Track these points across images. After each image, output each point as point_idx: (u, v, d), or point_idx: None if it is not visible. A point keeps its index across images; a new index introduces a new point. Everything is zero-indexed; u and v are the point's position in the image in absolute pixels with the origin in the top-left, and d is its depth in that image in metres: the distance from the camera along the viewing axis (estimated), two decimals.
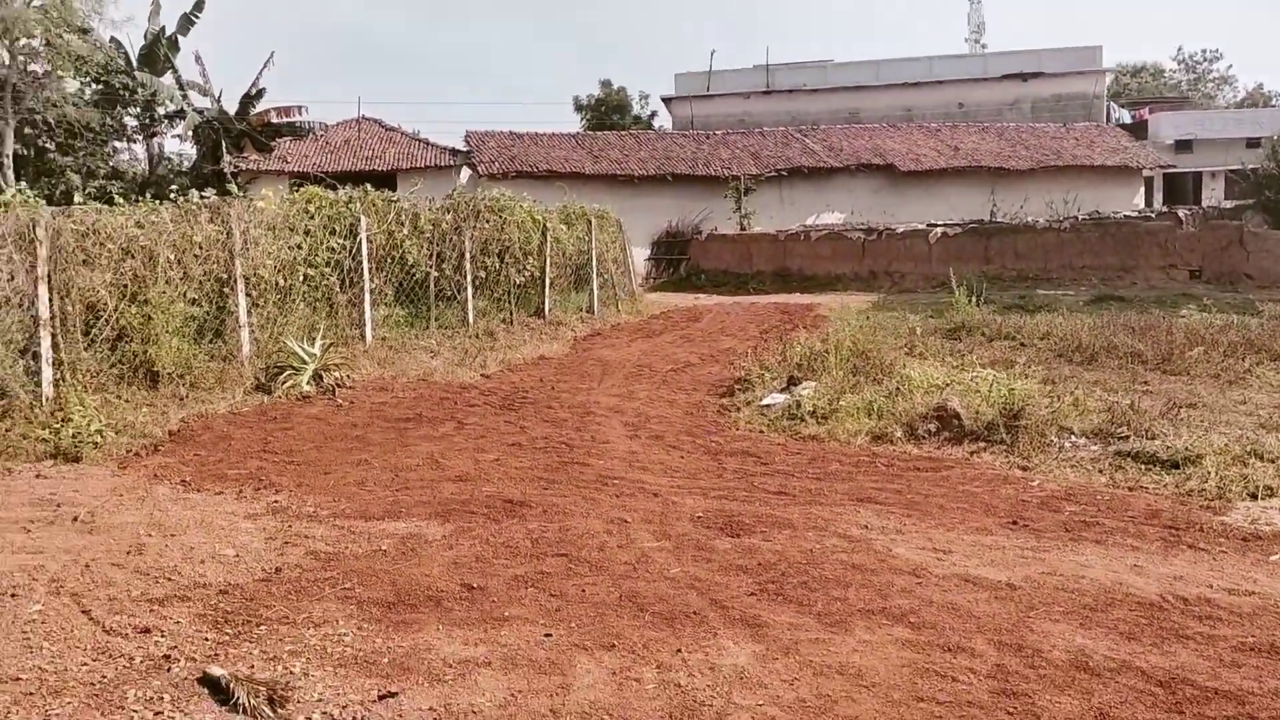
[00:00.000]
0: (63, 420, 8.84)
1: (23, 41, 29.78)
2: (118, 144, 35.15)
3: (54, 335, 9.53)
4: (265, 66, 37.30)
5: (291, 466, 8.22)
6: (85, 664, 4.33)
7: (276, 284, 12.21)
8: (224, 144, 34.23)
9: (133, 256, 10.29)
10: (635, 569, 5.58)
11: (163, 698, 4.01)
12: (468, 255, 16.17)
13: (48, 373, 9.45)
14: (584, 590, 5.24)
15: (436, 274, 15.49)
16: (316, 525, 6.48)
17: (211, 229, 11.32)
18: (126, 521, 6.42)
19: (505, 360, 14.36)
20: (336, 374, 11.57)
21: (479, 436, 9.38)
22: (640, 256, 31.27)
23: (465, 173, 34.76)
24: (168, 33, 34.48)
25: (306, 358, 11.50)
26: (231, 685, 4.00)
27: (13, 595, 5.07)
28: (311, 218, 12.86)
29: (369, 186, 14.84)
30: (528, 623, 4.80)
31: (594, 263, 20.70)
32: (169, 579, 5.40)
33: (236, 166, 32.76)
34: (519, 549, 5.94)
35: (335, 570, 5.57)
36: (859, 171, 36.00)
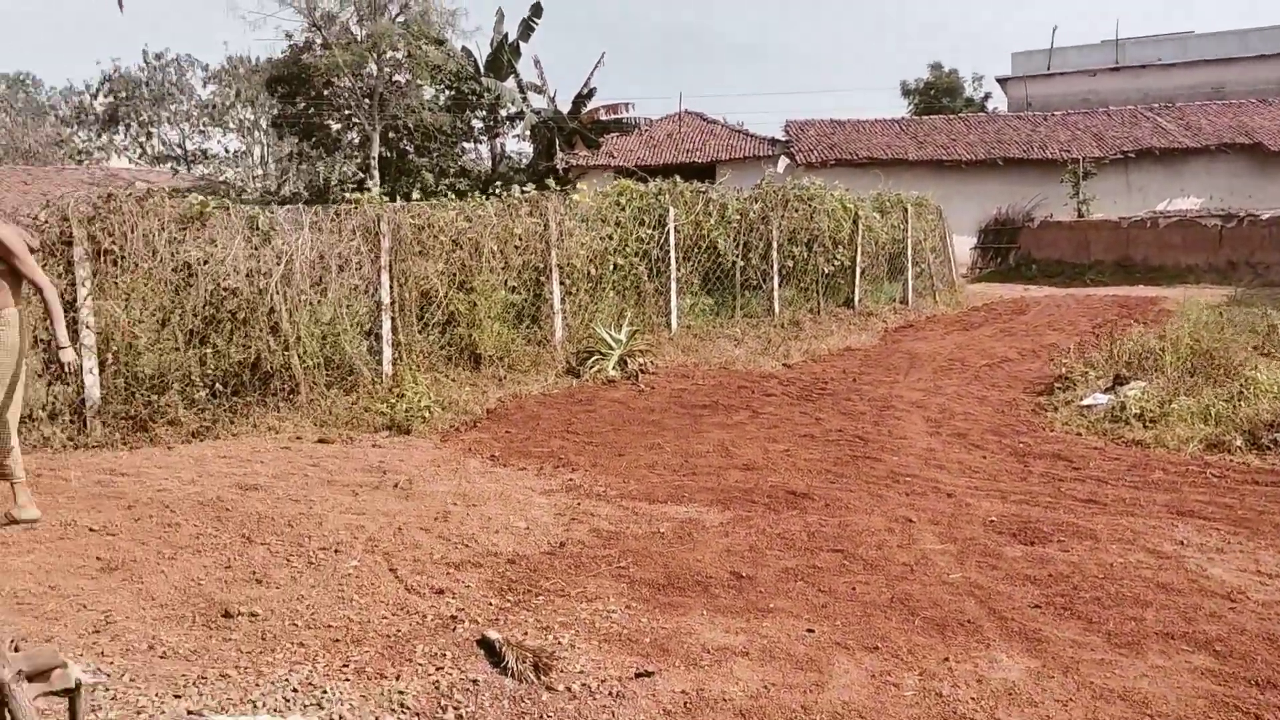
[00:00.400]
0: (398, 396, 9.75)
1: (389, 54, 33.10)
2: (466, 144, 38.19)
3: (393, 319, 10.54)
4: (596, 67, 39.28)
5: (589, 447, 8.60)
6: (385, 618, 4.75)
7: (588, 273, 12.80)
8: (557, 142, 36.34)
9: (461, 247, 11.16)
10: (912, 571, 5.37)
11: (445, 655, 4.33)
12: (775, 244, 16.19)
13: (388, 353, 10.46)
14: (854, 588, 5.10)
15: (743, 263, 15.63)
16: (603, 504, 6.74)
17: (530, 222, 12.05)
18: (438, 490, 6.99)
19: (809, 351, 14.26)
20: (641, 360, 11.98)
21: (772, 426, 9.38)
22: (965, 245, 29.97)
23: (783, 162, 34.81)
24: (510, 39, 37.01)
25: (613, 344, 11.99)
26: (504, 649, 4.24)
27: (335, 551, 5.66)
28: (622, 209, 13.38)
29: (678, 178, 15.21)
30: (792, 616, 4.74)
31: (909, 252, 20.08)
32: (466, 545, 5.82)
33: (567, 162, 34.72)
34: (794, 541, 5.88)
35: (614, 549, 5.77)
36: (1220, 152, 32.40)
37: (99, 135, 39.43)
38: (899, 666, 4.18)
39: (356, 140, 34.26)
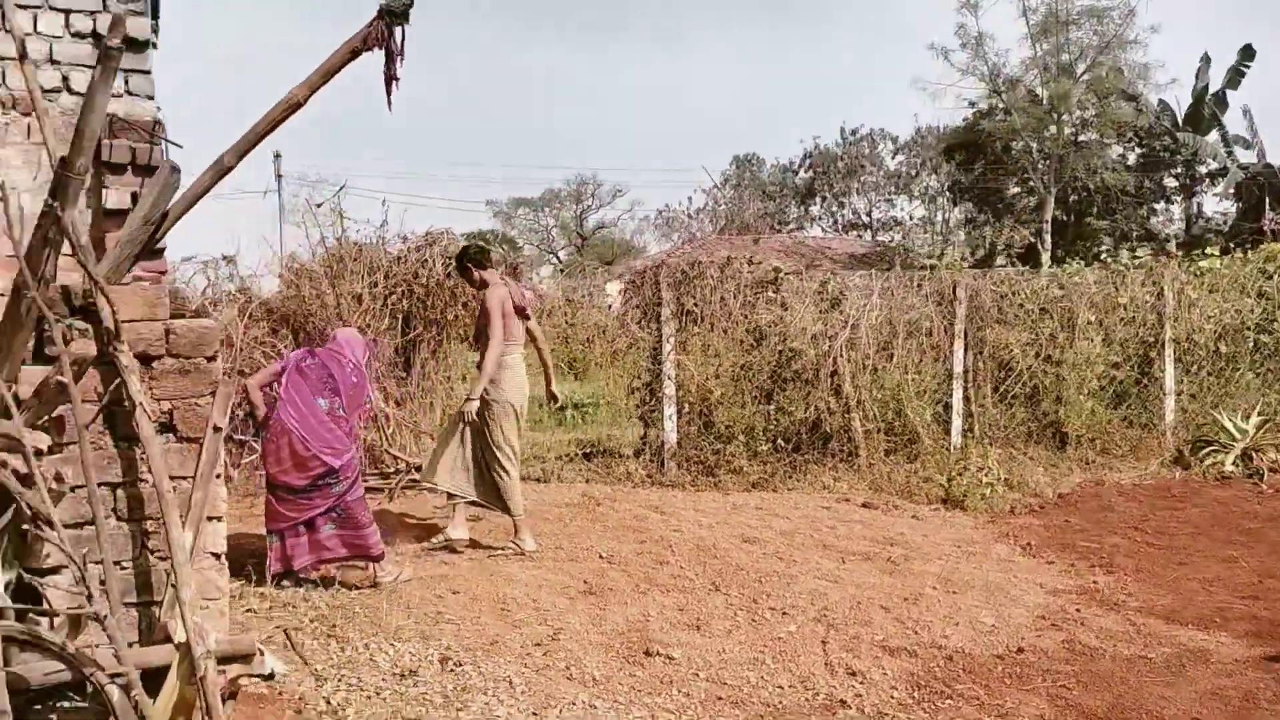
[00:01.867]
0: (961, 469, 9.41)
1: (1074, 115, 31.88)
2: (1155, 205, 35.18)
3: (965, 389, 10.20)
4: None
5: (1149, 549, 7.50)
6: (780, 687, 4.71)
7: (1216, 350, 11.08)
8: (1267, 200, 31.78)
9: (1051, 316, 10.43)
10: None
11: None
12: None
13: (957, 423, 10.15)
14: None
15: None
16: (1108, 615, 5.85)
17: (1141, 291, 10.83)
18: (928, 571, 6.63)
19: None
20: (1272, 455, 10.04)
21: None
22: None
23: None
24: (1214, 89, 33.37)
25: (1237, 434, 10.22)
26: None
27: (783, 613, 5.70)
28: (1269, 278, 11.35)
29: None
30: None
31: None
32: (915, 632, 5.48)
33: (1278, 223, 30.17)
34: None
35: (1074, 667, 5.01)
36: None
37: (799, 206, 43.76)
38: None
39: (1032, 204, 33.48)
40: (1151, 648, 5.31)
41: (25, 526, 2.23)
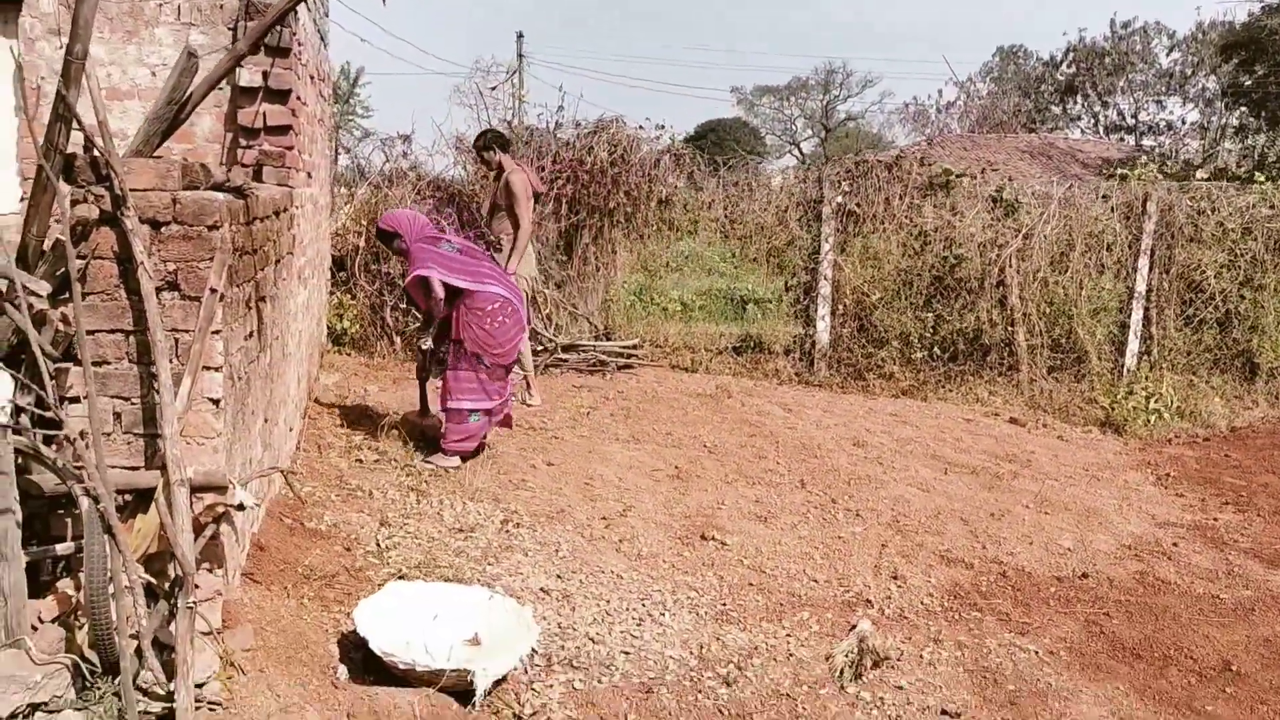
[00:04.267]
0: (1129, 392, 8.98)
1: None
2: None
3: (1146, 309, 9.60)
4: None
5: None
6: (814, 580, 4.87)
7: None
8: None
9: (1255, 238, 9.57)
10: None
11: (810, 626, 4.34)
12: None
13: (1133, 344, 9.61)
14: None
15: None
16: (1206, 552, 5.60)
17: None
18: (1028, 490, 6.50)
19: None
20: None
21: None
22: None
23: None
24: None
25: None
26: (860, 639, 4.10)
27: (858, 514, 5.81)
28: None
29: None
30: None
31: None
32: (982, 547, 5.45)
33: None
34: None
35: (1131, 598, 4.90)
36: None
37: (1059, 104, 40.71)
38: None
39: None
40: (1232, 589, 5.08)
41: (39, 361, 2.75)
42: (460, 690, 3.30)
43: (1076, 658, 4.25)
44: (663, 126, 10.26)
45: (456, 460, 5.78)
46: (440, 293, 5.70)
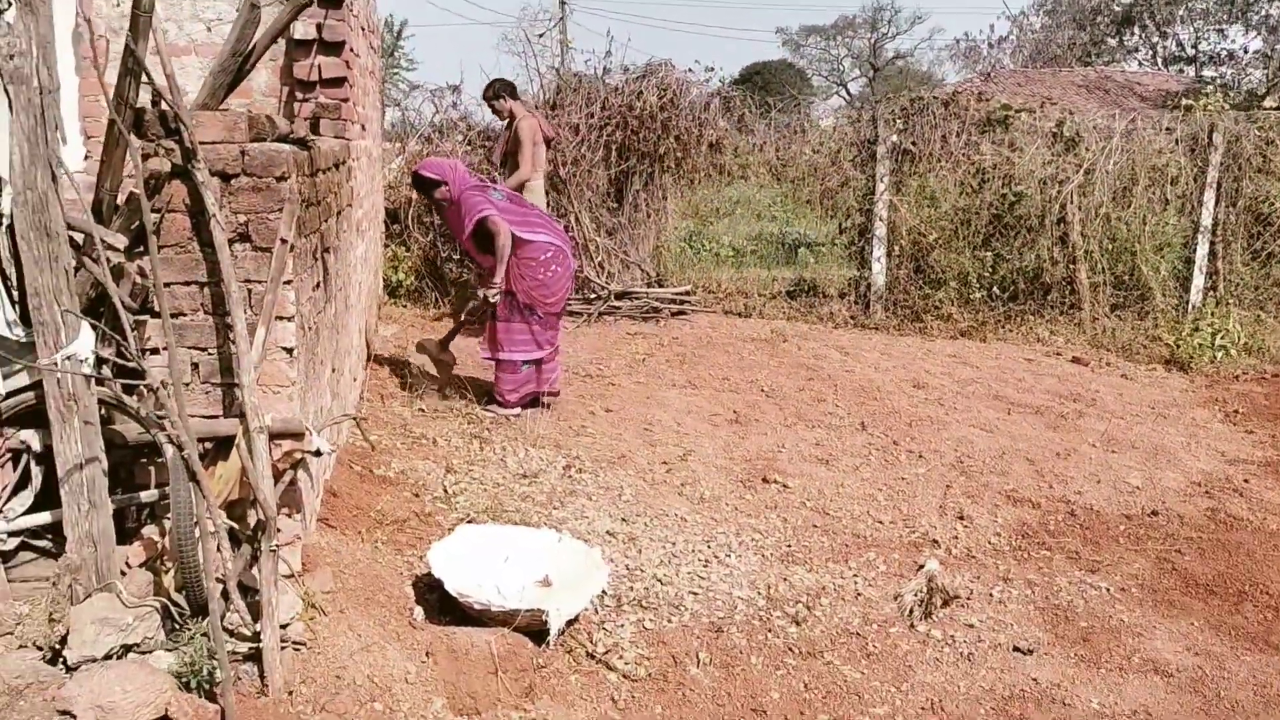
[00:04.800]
0: (1194, 329, 8.79)
1: None
2: None
3: (1212, 244, 9.37)
4: None
5: None
6: (880, 522, 4.86)
7: None
8: None
9: None
10: None
11: (876, 566, 4.34)
12: None
13: (1198, 280, 9.39)
14: None
15: None
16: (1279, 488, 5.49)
17: None
18: (1093, 428, 6.40)
19: None
20: None
21: None
22: None
23: None
24: None
25: None
26: (928, 578, 4.09)
27: (920, 456, 5.77)
28: None
29: None
30: None
31: None
32: (1049, 486, 5.40)
33: None
34: None
35: (1201, 533, 4.83)
36: None
37: (1114, 37, 39.56)
38: None
39: None
40: None
41: (120, 313, 2.80)
42: (534, 630, 3.35)
43: (1149, 594, 4.21)
44: (711, 69, 10.15)
45: (517, 409, 5.82)
46: (507, 235, 5.63)
